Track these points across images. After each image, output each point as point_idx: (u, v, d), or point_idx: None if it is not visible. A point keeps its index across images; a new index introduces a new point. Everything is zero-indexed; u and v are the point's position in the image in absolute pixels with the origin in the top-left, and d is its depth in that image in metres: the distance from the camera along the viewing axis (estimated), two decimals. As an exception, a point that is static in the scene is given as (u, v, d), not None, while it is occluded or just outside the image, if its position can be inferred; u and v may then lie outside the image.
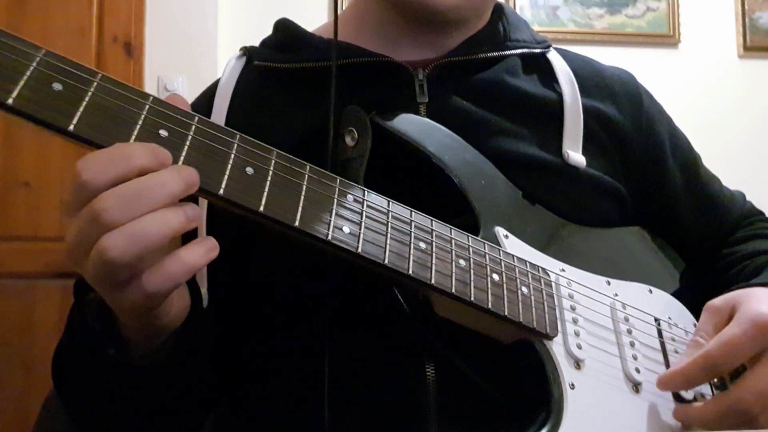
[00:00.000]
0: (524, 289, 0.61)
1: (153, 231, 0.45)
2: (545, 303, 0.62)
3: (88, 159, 0.46)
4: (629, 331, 0.67)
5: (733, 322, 0.62)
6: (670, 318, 0.72)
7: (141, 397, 0.60)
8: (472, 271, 0.59)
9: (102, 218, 0.44)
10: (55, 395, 0.67)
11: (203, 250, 0.48)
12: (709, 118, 2.58)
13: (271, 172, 0.53)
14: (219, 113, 0.75)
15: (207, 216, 0.71)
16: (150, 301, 0.48)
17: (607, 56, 0.97)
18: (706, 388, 0.67)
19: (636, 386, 0.64)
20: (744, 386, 0.60)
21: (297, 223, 0.52)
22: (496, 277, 0.60)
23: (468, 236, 0.61)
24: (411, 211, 0.59)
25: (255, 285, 0.70)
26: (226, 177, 0.50)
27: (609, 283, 0.70)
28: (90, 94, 0.47)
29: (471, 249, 0.60)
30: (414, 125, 0.68)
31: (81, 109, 0.46)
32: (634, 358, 0.65)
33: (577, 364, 0.61)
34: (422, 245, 0.57)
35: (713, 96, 2.67)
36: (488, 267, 0.60)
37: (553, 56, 0.81)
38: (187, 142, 0.50)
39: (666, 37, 2.69)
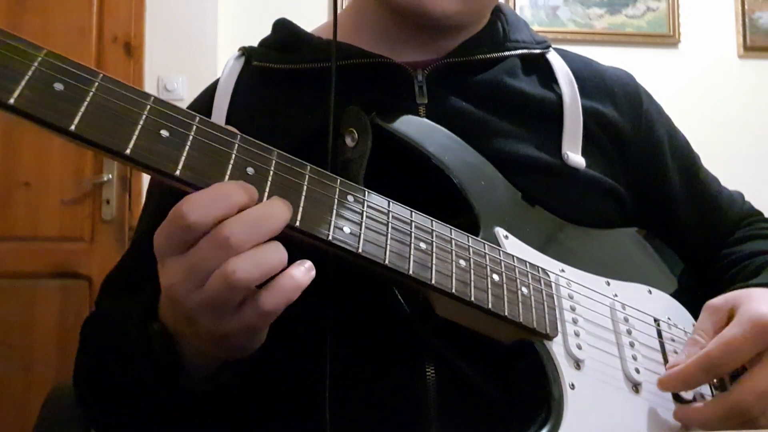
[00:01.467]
0: (524, 290, 0.62)
1: (274, 256, 0.49)
2: (545, 303, 0.63)
3: (192, 201, 0.48)
4: (629, 332, 0.67)
5: (733, 322, 0.62)
6: (669, 318, 0.73)
7: (197, 416, 0.62)
8: (472, 271, 0.59)
9: (230, 243, 0.48)
10: (86, 410, 0.70)
11: (305, 269, 0.51)
12: (709, 118, 2.59)
13: (271, 172, 0.53)
14: (219, 113, 0.75)
15: None
16: (263, 321, 0.52)
17: (607, 56, 0.97)
18: (705, 389, 0.67)
19: (636, 386, 0.64)
20: (744, 387, 0.60)
21: (298, 223, 0.52)
22: (496, 277, 0.60)
23: (468, 236, 0.61)
24: (411, 211, 0.59)
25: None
26: (227, 177, 0.50)
27: (608, 284, 0.70)
28: (91, 94, 0.47)
29: (471, 249, 0.60)
30: (414, 126, 0.68)
31: (82, 109, 0.46)
32: (634, 358, 0.65)
33: (577, 364, 0.61)
34: (422, 245, 0.57)
35: (713, 96, 2.67)
36: (488, 267, 0.60)
37: (553, 57, 0.81)
38: (188, 142, 0.50)
39: (666, 37, 2.70)
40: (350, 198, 0.56)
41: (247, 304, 0.50)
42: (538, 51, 0.80)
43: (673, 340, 0.71)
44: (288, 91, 0.76)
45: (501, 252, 0.63)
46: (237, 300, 0.49)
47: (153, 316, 0.58)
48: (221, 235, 0.48)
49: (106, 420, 0.70)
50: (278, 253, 0.50)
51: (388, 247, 0.55)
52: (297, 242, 0.53)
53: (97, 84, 0.48)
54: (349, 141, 0.66)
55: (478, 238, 0.62)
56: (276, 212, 0.50)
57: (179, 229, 0.49)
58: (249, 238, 0.48)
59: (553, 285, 0.65)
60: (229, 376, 0.60)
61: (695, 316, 0.72)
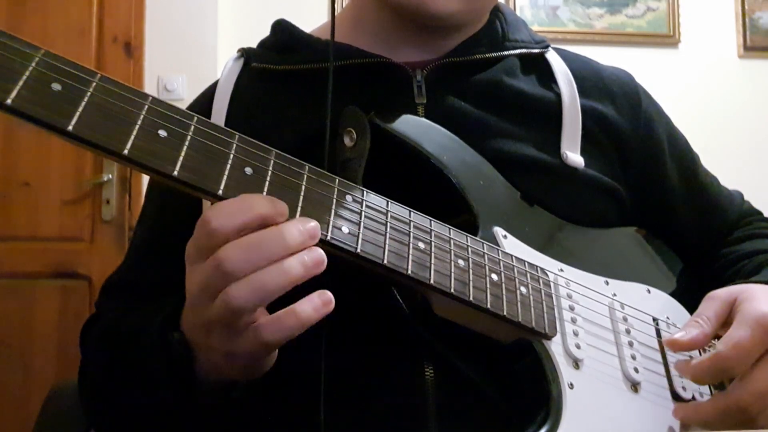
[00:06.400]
0: (523, 289, 0.62)
1: (272, 283, 0.49)
2: (544, 303, 0.63)
3: (217, 208, 0.49)
4: (628, 331, 0.67)
5: (737, 322, 0.61)
6: (668, 318, 0.73)
7: (202, 423, 0.63)
8: (470, 271, 0.59)
9: (224, 267, 0.48)
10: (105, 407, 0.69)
11: (318, 304, 0.50)
12: (709, 118, 2.58)
13: (269, 173, 0.53)
14: (219, 115, 0.75)
15: None
16: (263, 349, 0.52)
17: (607, 56, 0.97)
18: (704, 387, 0.67)
19: (635, 386, 0.64)
20: (744, 387, 0.60)
21: (296, 224, 0.52)
22: (494, 277, 0.60)
23: (467, 236, 0.61)
24: (410, 211, 0.59)
25: None
26: (225, 177, 0.50)
27: (607, 283, 0.70)
28: (89, 94, 0.47)
29: (470, 249, 0.60)
30: (412, 126, 0.68)
31: (80, 109, 0.47)
32: (633, 357, 0.65)
33: (576, 363, 0.61)
34: (421, 245, 0.57)
35: (713, 96, 2.67)
36: (487, 267, 0.60)
37: (552, 56, 0.81)
38: (186, 142, 0.50)
39: (666, 37, 2.70)
40: (349, 198, 0.56)
41: (250, 330, 0.50)
42: (536, 51, 0.80)
43: (672, 340, 0.70)
44: (287, 92, 0.76)
45: (500, 252, 0.63)
46: (240, 324, 0.50)
47: (175, 326, 0.58)
48: (218, 258, 0.48)
49: (110, 424, 0.69)
50: (277, 278, 0.49)
51: (387, 246, 0.55)
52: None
53: (95, 84, 0.48)
54: (347, 141, 0.66)
55: (477, 238, 0.62)
56: (280, 236, 0.49)
57: (203, 235, 0.50)
58: (243, 265, 0.48)
59: (551, 284, 0.65)
60: (239, 393, 0.61)
61: (694, 316, 0.72)
